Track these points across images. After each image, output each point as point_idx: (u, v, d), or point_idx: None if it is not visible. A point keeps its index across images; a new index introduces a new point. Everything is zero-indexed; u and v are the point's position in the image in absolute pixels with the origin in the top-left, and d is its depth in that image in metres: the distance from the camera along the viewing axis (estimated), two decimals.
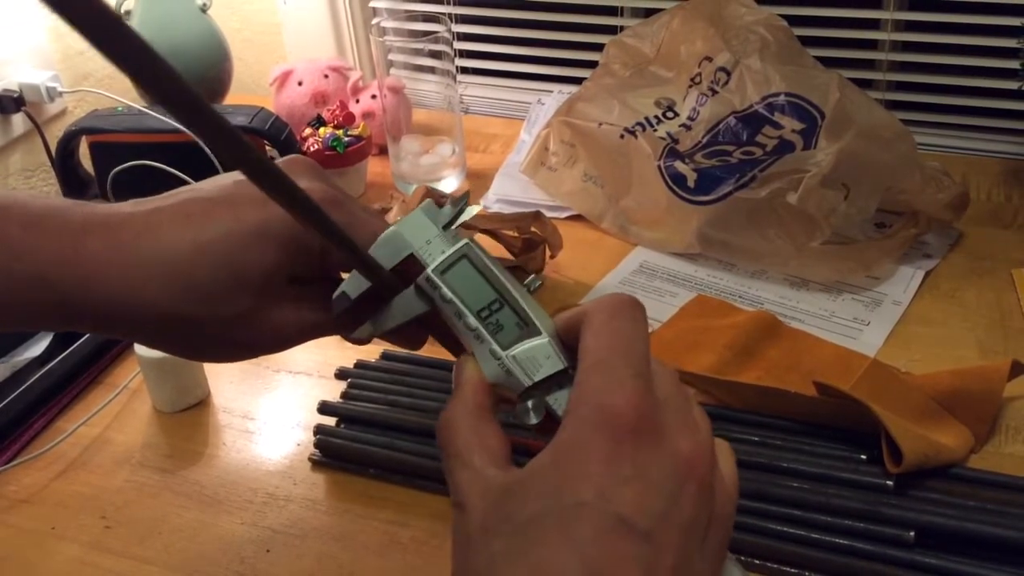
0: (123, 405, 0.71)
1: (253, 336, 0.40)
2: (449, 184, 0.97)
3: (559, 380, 0.35)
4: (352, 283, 0.40)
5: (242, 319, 0.39)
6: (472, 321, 0.37)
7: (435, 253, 0.38)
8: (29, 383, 0.69)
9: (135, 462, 0.65)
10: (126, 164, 0.88)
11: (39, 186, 1.09)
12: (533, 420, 0.35)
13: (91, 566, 0.57)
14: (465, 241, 0.38)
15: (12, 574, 0.58)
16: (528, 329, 0.36)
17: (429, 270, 0.38)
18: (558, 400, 0.35)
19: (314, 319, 0.42)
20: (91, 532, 0.60)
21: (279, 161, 0.43)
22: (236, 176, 0.41)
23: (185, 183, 0.85)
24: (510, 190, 0.96)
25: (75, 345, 0.73)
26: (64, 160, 0.93)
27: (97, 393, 0.72)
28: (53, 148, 0.95)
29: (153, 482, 0.63)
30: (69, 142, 0.92)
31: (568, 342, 0.36)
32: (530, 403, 0.35)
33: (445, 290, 0.37)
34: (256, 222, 0.38)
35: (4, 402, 0.67)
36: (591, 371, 0.31)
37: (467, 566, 0.30)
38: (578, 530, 0.28)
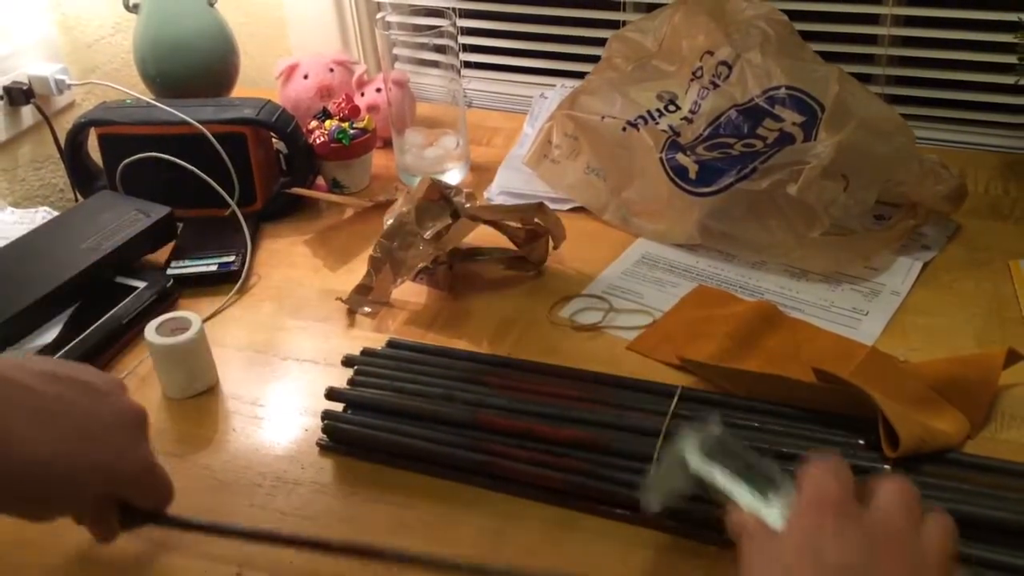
0: (134, 391, 0.71)
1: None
2: (453, 176, 0.98)
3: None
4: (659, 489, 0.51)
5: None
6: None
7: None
8: None
9: None
10: (135, 156, 0.89)
11: (48, 178, 1.10)
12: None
13: (102, 550, 0.58)
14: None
15: (22, 559, 0.59)
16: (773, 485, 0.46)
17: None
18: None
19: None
20: None
21: None
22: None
23: (192, 175, 0.88)
24: (513, 182, 0.97)
25: (86, 332, 0.74)
26: (73, 152, 0.94)
27: None
28: (62, 140, 0.96)
29: (163, 466, 0.64)
30: (78, 134, 0.93)
31: None
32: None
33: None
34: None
35: None
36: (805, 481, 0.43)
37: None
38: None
